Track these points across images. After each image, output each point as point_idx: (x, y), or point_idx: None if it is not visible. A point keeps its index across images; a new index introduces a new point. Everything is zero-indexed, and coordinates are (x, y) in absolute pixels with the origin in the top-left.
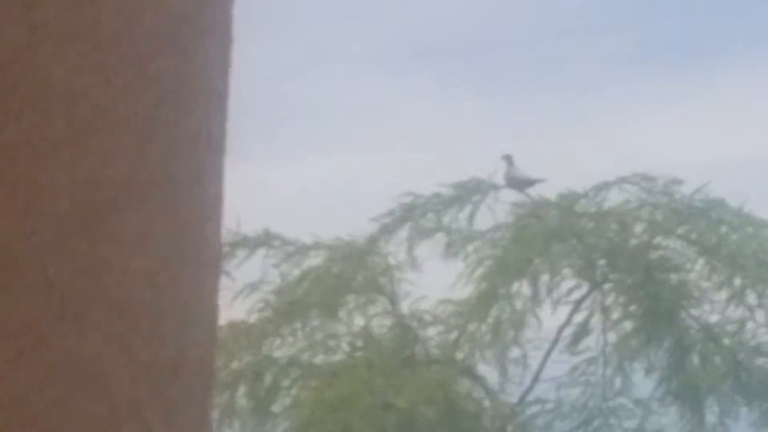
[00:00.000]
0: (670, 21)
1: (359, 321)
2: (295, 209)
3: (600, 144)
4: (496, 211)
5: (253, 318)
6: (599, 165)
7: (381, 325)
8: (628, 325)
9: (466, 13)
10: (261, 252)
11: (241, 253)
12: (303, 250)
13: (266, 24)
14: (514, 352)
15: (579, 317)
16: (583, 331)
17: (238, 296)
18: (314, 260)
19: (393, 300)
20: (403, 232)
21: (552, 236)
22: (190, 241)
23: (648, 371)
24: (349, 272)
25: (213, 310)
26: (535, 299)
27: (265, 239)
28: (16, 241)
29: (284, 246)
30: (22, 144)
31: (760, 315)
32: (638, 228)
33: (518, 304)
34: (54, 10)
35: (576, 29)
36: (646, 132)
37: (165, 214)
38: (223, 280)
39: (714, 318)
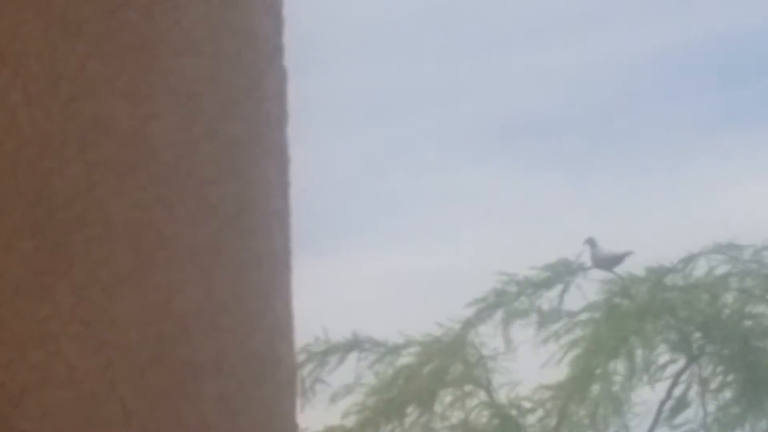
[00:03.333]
0: (751, 82)
1: (458, 414)
2: (383, 302)
3: (687, 213)
4: (585, 291)
5: (350, 421)
6: (687, 234)
7: (480, 415)
8: (727, 394)
9: (541, 92)
10: (353, 356)
11: (332, 359)
12: (395, 349)
13: (345, 114)
14: None
15: (677, 391)
16: (681, 404)
17: (334, 400)
18: (407, 358)
19: (489, 390)
20: (497, 316)
21: (644, 313)
22: (264, 362)
23: None
24: (443, 366)
25: (292, 430)
26: (632, 377)
27: (355, 343)
28: (92, 377)
29: (375, 347)
30: (90, 280)
31: None
32: (729, 297)
33: (615, 384)
34: (109, 146)
35: (655, 97)
36: (733, 198)
37: (236, 338)
38: (318, 387)
39: None
